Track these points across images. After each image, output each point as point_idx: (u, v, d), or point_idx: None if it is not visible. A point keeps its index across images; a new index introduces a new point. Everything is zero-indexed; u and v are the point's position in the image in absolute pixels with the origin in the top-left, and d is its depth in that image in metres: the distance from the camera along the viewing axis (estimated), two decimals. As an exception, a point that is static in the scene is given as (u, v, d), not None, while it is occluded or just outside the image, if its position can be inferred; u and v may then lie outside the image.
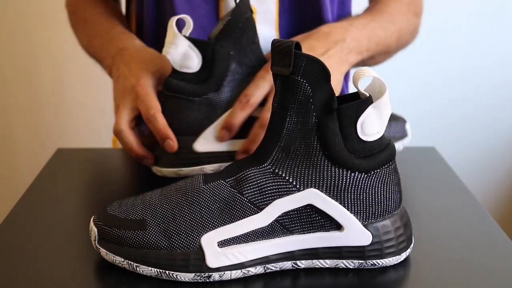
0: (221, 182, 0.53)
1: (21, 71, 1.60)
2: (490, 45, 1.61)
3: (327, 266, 0.55)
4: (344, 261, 0.54)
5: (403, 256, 0.55)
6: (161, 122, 0.66)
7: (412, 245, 0.57)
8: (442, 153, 0.86)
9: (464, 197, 0.72)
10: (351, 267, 0.55)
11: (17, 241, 0.60)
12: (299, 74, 0.50)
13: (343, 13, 0.90)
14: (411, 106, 1.62)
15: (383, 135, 0.53)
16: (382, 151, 0.53)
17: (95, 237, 0.54)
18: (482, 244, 0.60)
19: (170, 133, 0.66)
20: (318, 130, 0.51)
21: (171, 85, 0.67)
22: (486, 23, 1.59)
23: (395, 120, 0.78)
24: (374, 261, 0.54)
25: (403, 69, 1.50)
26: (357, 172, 0.52)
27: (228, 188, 0.52)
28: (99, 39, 0.82)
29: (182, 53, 0.66)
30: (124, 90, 0.70)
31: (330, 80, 0.51)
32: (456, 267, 0.56)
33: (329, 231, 0.53)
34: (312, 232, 0.53)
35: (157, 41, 0.86)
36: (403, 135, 0.78)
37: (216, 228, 0.52)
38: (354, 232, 0.53)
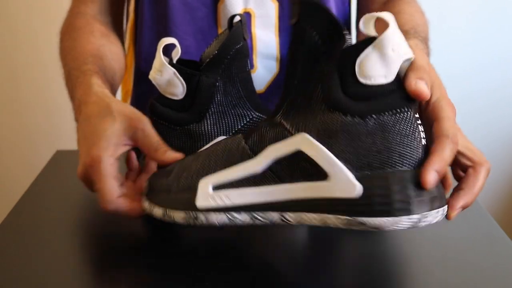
0: (240, 135, 0.55)
1: (21, 72, 1.60)
2: (489, 45, 1.61)
3: (315, 222, 0.50)
4: (330, 216, 0.49)
5: (404, 220, 0.47)
6: (123, 210, 0.59)
7: (433, 212, 0.48)
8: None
9: (464, 196, 0.72)
10: (339, 224, 0.49)
11: (17, 241, 0.60)
12: (307, 23, 0.49)
13: (344, 12, 0.89)
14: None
15: (395, 82, 0.48)
16: (387, 95, 0.47)
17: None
18: (482, 244, 0.60)
19: (137, 212, 0.60)
20: (321, 78, 0.49)
21: (155, 110, 0.67)
22: (485, 23, 1.59)
23: None
24: (362, 218, 0.47)
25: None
26: (349, 115, 0.47)
27: (239, 138, 0.54)
28: (70, 82, 0.75)
29: (167, 80, 0.65)
30: (83, 164, 0.61)
31: (340, 29, 0.48)
32: (456, 267, 0.56)
33: (316, 180, 0.49)
34: (300, 181, 0.50)
35: (153, 42, 0.85)
36: None
37: (215, 172, 0.53)
38: (340, 182, 0.48)
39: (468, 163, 0.55)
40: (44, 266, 0.56)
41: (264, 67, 0.85)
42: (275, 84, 0.85)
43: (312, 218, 0.50)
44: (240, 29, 0.66)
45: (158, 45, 0.66)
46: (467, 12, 1.58)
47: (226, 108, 0.67)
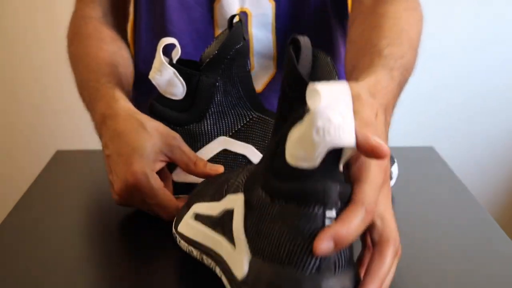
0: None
1: (21, 72, 1.60)
2: (490, 43, 1.61)
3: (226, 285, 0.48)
4: (231, 285, 0.47)
5: None
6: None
7: None
8: (440, 153, 0.86)
9: (463, 196, 0.72)
10: None
11: (17, 241, 0.60)
12: (285, 75, 0.44)
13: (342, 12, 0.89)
14: (410, 105, 1.62)
15: (317, 170, 0.40)
16: (303, 183, 0.40)
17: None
18: (481, 244, 0.60)
19: None
20: (272, 143, 0.45)
21: (155, 110, 0.67)
22: (486, 23, 1.59)
23: None
24: None
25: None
26: (265, 192, 0.43)
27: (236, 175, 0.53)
28: (87, 93, 0.74)
29: (167, 80, 0.65)
30: (124, 182, 0.61)
31: (303, 90, 0.41)
32: (455, 267, 0.56)
33: (232, 246, 0.47)
34: (228, 240, 0.48)
35: (151, 42, 0.85)
36: None
37: (204, 202, 0.53)
38: (238, 257, 0.45)
39: (375, 237, 0.46)
40: (44, 266, 0.56)
41: (261, 67, 0.85)
42: (272, 84, 0.85)
43: (225, 281, 0.48)
44: (240, 29, 0.66)
45: (158, 45, 0.66)
46: (466, 14, 1.58)
47: (226, 108, 0.67)
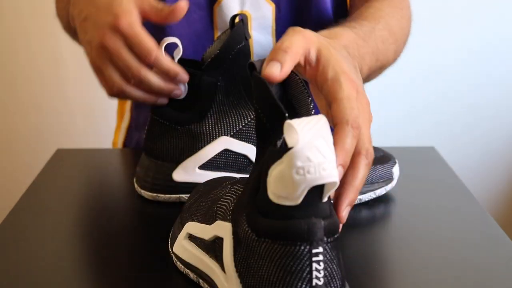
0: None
1: (21, 72, 1.60)
2: (490, 41, 1.61)
3: None
4: None
5: None
6: (166, 62, 0.62)
7: None
8: (441, 153, 0.86)
9: (464, 197, 0.72)
10: None
11: (17, 241, 0.60)
12: (256, 101, 0.45)
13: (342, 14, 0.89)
14: (411, 105, 1.62)
15: (301, 208, 0.40)
16: (287, 221, 0.40)
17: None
18: (481, 244, 0.60)
19: (178, 68, 0.64)
20: (256, 174, 0.44)
21: (156, 109, 0.67)
22: (490, 26, 1.59)
23: (381, 163, 0.68)
24: None
25: (402, 67, 1.50)
26: (251, 229, 0.42)
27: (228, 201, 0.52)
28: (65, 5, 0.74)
29: None
30: (107, 24, 0.60)
31: (282, 115, 0.41)
32: (455, 267, 0.56)
33: (223, 273, 0.47)
34: (220, 267, 0.48)
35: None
36: (389, 179, 0.69)
37: (196, 222, 0.53)
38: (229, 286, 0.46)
39: None
40: (44, 266, 0.56)
41: None
42: None
43: None
44: (242, 28, 0.66)
45: (160, 44, 0.66)
46: (465, 6, 1.58)
47: (227, 108, 0.67)
